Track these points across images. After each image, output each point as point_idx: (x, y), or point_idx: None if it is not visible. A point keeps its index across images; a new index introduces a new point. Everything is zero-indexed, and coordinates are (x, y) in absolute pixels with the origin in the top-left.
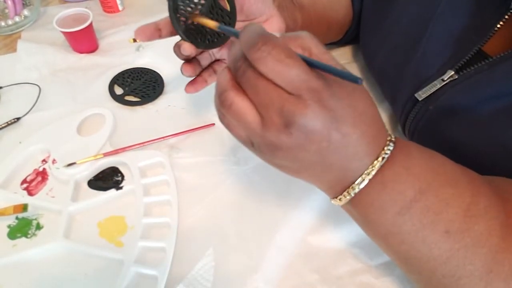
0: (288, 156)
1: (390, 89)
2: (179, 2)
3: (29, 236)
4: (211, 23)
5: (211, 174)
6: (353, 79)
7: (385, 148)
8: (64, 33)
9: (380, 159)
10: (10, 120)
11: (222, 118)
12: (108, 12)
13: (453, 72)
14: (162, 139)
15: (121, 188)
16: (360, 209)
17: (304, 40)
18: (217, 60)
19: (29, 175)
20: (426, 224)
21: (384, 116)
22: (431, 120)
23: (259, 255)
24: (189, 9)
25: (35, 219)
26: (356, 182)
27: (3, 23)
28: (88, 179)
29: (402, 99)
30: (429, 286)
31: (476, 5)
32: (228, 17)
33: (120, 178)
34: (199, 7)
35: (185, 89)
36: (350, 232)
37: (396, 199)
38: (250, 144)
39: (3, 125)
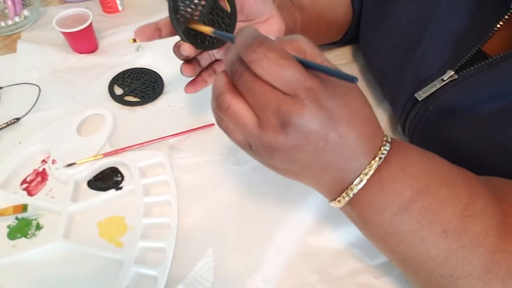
0: (286, 158)
1: (390, 89)
2: (179, 3)
3: (29, 236)
4: (206, 29)
5: (211, 174)
6: (349, 79)
7: (382, 148)
8: (64, 33)
9: (377, 159)
10: (10, 120)
11: (219, 122)
12: (108, 12)
13: (453, 72)
14: (162, 139)
15: (121, 188)
16: (358, 210)
17: (299, 43)
18: (217, 60)
19: (29, 175)
20: (424, 224)
21: (384, 116)
22: (431, 120)
23: (259, 255)
24: (189, 10)
25: (35, 219)
26: (355, 183)
27: (3, 23)
28: (88, 179)
29: (402, 99)
30: (427, 286)
31: (476, 5)
32: (228, 18)
33: (120, 179)
34: (200, 8)
35: (185, 89)
36: (350, 232)
37: (394, 199)
38: (248, 147)
39: (3, 125)
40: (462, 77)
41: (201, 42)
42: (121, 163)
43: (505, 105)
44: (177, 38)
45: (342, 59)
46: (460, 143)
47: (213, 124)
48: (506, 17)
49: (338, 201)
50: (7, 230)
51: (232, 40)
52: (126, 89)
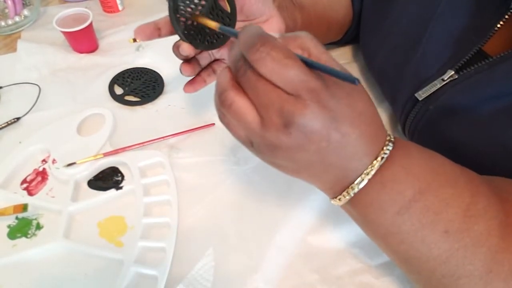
0: (288, 156)
1: (390, 89)
2: (179, 3)
3: (29, 236)
4: (212, 24)
5: (211, 174)
6: (351, 80)
7: (384, 148)
8: (64, 33)
9: (379, 159)
10: (10, 120)
11: (222, 118)
12: (108, 12)
13: (453, 72)
14: (162, 139)
15: (121, 188)
16: (360, 209)
17: (303, 40)
18: (216, 60)
19: (29, 175)
20: (426, 224)
21: (384, 116)
22: (431, 120)
23: (259, 255)
24: (189, 9)
25: (35, 219)
26: (356, 182)
27: (3, 23)
28: (88, 179)
29: (402, 99)
30: (429, 286)
31: (476, 5)
32: (228, 18)
33: (120, 178)
34: (200, 8)
35: (184, 89)
36: (350, 232)
37: (395, 199)
38: (250, 144)
39: (3, 125)
40: (462, 77)
41: (200, 42)
42: (121, 163)
43: (506, 105)
44: (177, 37)
45: (342, 59)
46: (461, 143)
47: (213, 124)
48: (506, 17)
49: (339, 200)
50: (7, 229)
51: (236, 36)
52: (126, 88)
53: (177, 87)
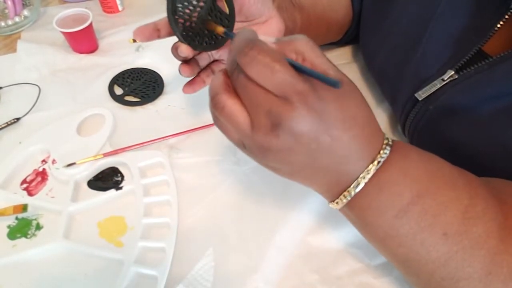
0: (279, 159)
1: (390, 89)
2: (177, 4)
3: (29, 236)
4: (219, 29)
5: (211, 174)
6: (332, 83)
7: (381, 152)
8: (64, 33)
9: (375, 163)
10: (10, 120)
11: (215, 120)
12: (108, 12)
13: (453, 72)
14: (162, 139)
15: (121, 188)
16: (357, 212)
17: (299, 44)
18: (215, 61)
19: (29, 175)
20: (424, 227)
21: (384, 116)
22: (431, 120)
23: (259, 255)
24: (187, 11)
25: (35, 219)
26: (352, 186)
27: (3, 23)
28: (88, 179)
29: (402, 99)
30: None
31: (476, 5)
32: (226, 19)
33: (120, 178)
34: (198, 9)
35: (183, 90)
36: (350, 232)
37: (393, 202)
38: (242, 146)
39: (3, 125)
40: (462, 77)
41: (198, 43)
42: (121, 163)
43: (506, 105)
44: (176, 38)
45: (342, 59)
46: (460, 143)
47: (213, 124)
48: (506, 17)
49: (336, 203)
50: (7, 230)
51: None
52: (126, 89)
53: (177, 88)
